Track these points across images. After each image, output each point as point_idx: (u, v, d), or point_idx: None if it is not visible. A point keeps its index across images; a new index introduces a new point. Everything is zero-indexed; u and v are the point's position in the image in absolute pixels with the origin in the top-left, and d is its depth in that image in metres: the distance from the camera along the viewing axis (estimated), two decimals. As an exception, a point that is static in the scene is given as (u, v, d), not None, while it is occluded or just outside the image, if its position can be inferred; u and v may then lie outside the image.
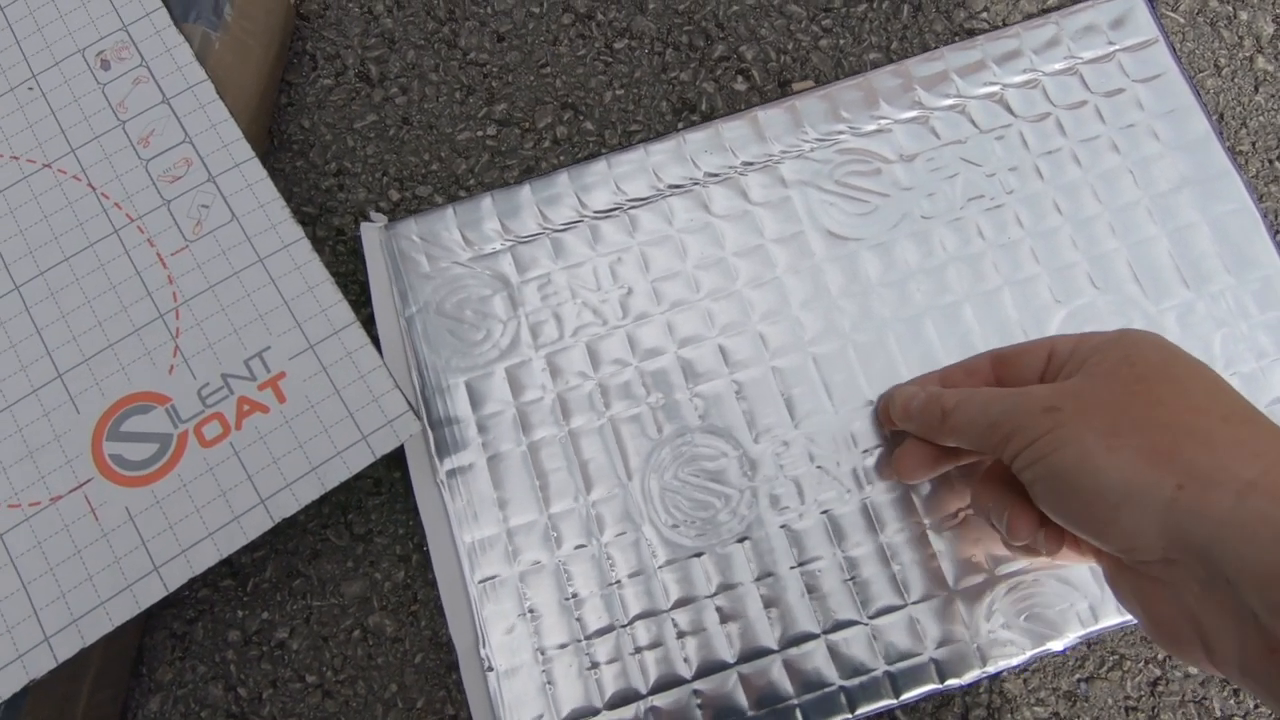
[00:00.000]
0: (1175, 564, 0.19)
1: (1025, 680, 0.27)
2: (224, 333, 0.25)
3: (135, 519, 0.23)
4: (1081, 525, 0.20)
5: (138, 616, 0.27)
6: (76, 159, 0.26)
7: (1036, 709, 0.27)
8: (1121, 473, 0.19)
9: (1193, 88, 0.31)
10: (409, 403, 0.25)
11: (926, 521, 0.27)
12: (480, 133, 0.32)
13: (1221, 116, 0.32)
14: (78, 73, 0.27)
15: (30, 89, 0.27)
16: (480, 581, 0.27)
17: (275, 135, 0.33)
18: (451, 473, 0.28)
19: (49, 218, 0.26)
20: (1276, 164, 0.31)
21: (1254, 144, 0.32)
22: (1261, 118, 0.32)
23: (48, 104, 0.27)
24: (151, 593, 0.23)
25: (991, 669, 0.26)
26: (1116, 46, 0.31)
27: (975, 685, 0.26)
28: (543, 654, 0.27)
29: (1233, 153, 0.31)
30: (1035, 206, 0.30)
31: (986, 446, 0.23)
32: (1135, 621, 0.26)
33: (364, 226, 0.30)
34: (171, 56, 0.27)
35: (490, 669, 0.27)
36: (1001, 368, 0.26)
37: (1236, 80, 0.32)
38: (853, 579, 0.27)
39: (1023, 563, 0.27)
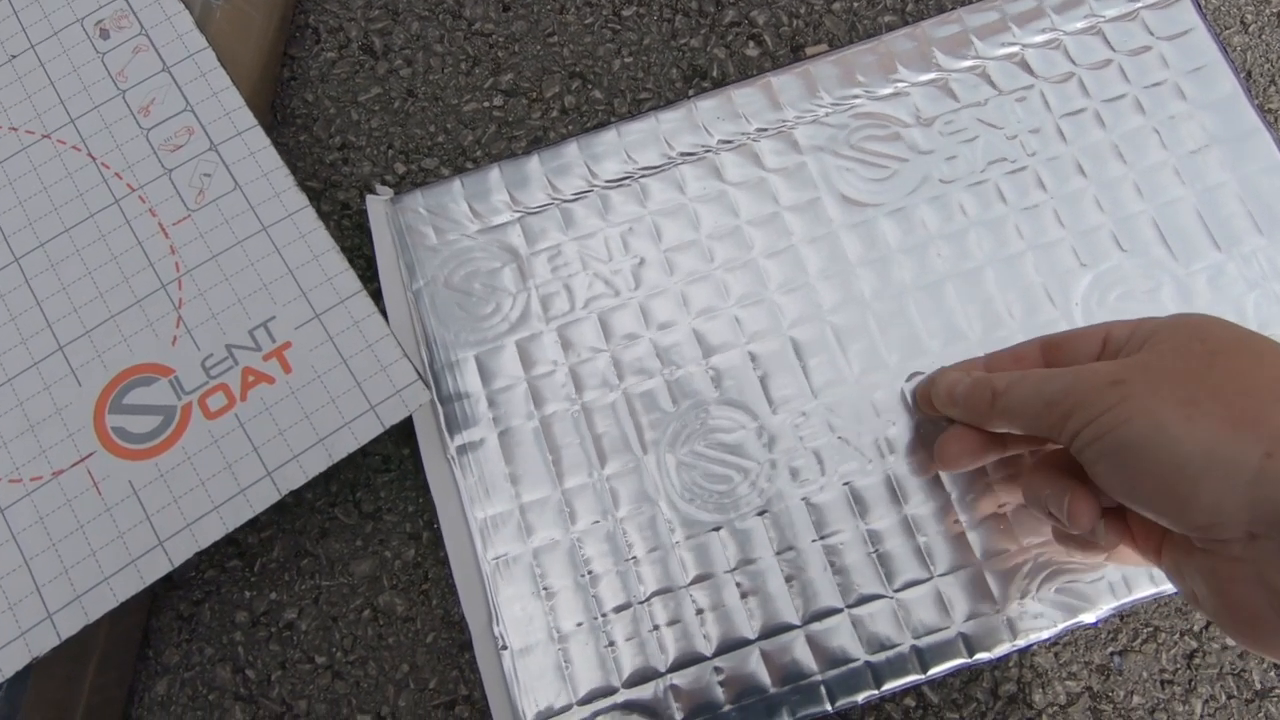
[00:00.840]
0: (1260, 540, 0.18)
1: (1056, 654, 0.26)
2: (228, 303, 0.24)
3: (139, 493, 0.23)
4: (1156, 504, 0.19)
5: (143, 598, 0.26)
6: (76, 129, 0.26)
7: (1069, 683, 0.26)
8: (1202, 442, 0.18)
9: (1219, 44, 0.30)
10: (418, 371, 0.24)
11: (952, 493, 0.27)
12: (486, 104, 0.32)
13: (1249, 74, 0.31)
14: (76, 42, 0.27)
15: (29, 59, 0.26)
16: (493, 559, 0.27)
17: (278, 110, 0.32)
18: (462, 448, 0.28)
19: (49, 189, 0.25)
20: (1308, 122, 0.30)
21: (1284, 102, 0.31)
22: (1291, 75, 0.31)
23: (46, 74, 0.26)
24: (157, 568, 0.22)
25: (1022, 642, 0.25)
26: (1140, 4, 0.30)
27: (1005, 659, 0.26)
28: (558, 632, 0.26)
29: (1262, 110, 0.30)
30: (1058, 169, 0.29)
31: (1042, 427, 0.21)
32: (1171, 591, 0.25)
33: (369, 200, 0.30)
34: (171, 24, 0.27)
35: (505, 648, 0.26)
36: (1053, 352, 0.24)
37: (1264, 37, 0.31)
38: (876, 552, 0.26)
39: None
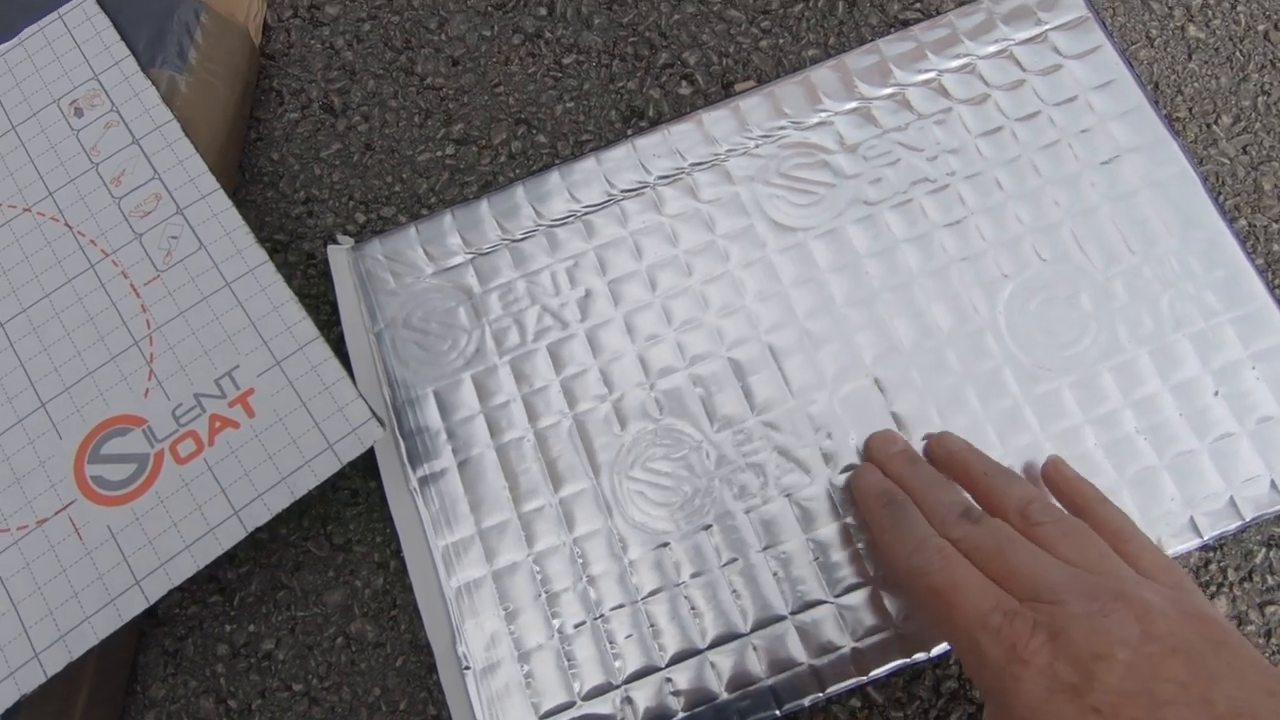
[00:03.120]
0: None
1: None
2: (195, 354, 0.26)
3: (117, 536, 0.25)
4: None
5: (130, 635, 0.28)
6: (54, 202, 0.28)
7: (1006, 677, 0.27)
8: None
9: (1125, 60, 0.31)
10: (372, 410, 0.26)
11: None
12: (439, 153, 0.34)
13: (1157, 85, 0.33)
14: (53, 121, 0.29)
15: (10, 139, 0.29)
16: (456, 584, 0.28)
17: (246, 169, 0.34)
18: (424, 479, 0.29)
19: (30, 258, 0.27)
20: (1214, 128, 0.32)
21: (1190, 110, 0.32)
22: (1196, 84, 0.32)
23: (26, 152, 0.29)
24: (133, 605, 0.24)
25: (958, 640, 0.26)
26: (1047, 26, 0.32)
27: (944, 657, 0.27)
28: (520, 651, 0.27)
29: (1169, 120, 0.31)
30: (978, 185, 0.31)
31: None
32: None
33: (330, 249, 0.32)
34: (140, 100, 0.29)
35: (468, 668, 0.27)
36: (975, 489, 0.25)
37: (1169, 49, 0.33)
38: (818, 560, 0.28)
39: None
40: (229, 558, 0.30)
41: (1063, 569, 0.21)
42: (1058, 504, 0.25)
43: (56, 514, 0.25)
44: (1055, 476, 0.26)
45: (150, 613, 0.29)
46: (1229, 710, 0.17)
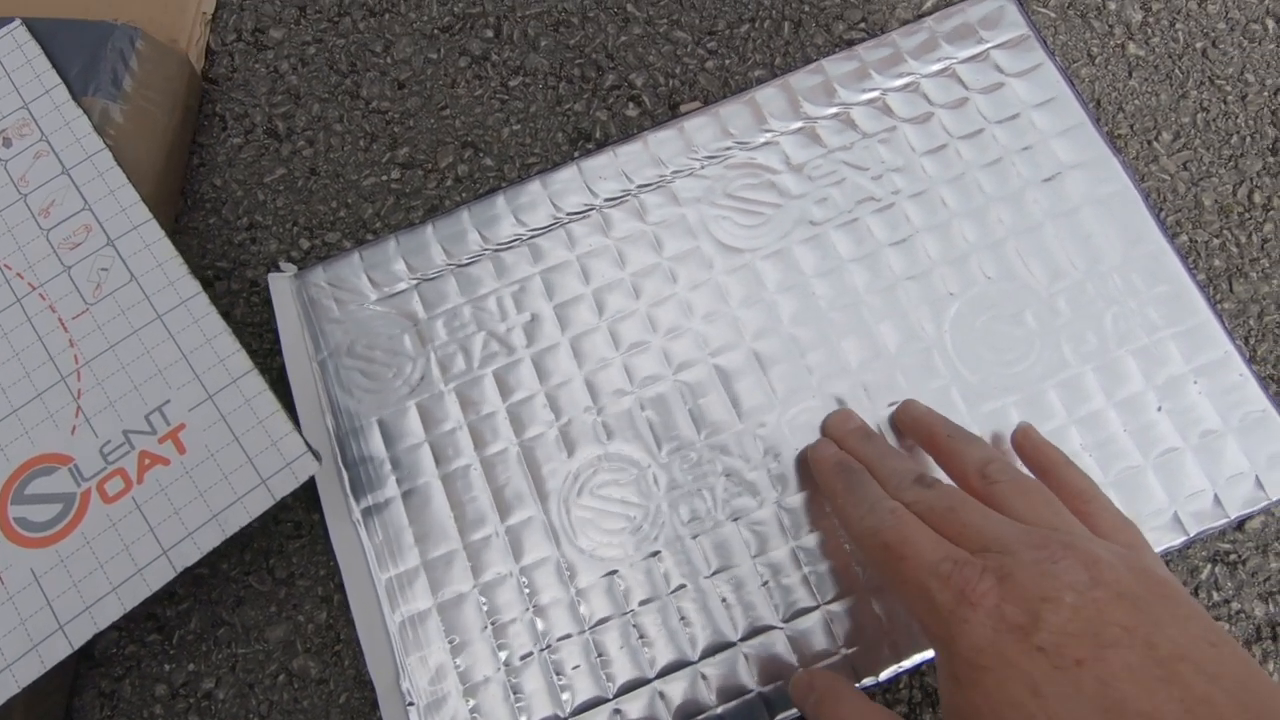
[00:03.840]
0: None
1: (943, 672, 0.27)
2: (124, 390, 0.26)
3: (40, 580, 0.24)
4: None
5: (64, 677, 0.27)
6: (-20, 234, 0.27)
7: (955, 700, 0.26)
8: None
9: (1066, 77, 0.32)
10: (307, 444, 0.25)
11: (836, 524, 0.28)
12: (385, 177, 0.33)
13: (1099, 103, 0.33)
14: (-19, 152, 0.28)
15: (-64, 171, 0.28)
16: (400, 617, 0.28)
17: (188, 195, 0.34)
18: (367, 511, 0.29)
19: (-46, 293, 0.27)
20: (1155, 144, 0.32)
21: (1132, 126, 0.32)
22: (1137, 101, 0.33)
23: (-47, 184, 0.28)
24: (56, 651, 0.23)
25: (907, 663, 0.26)
26: (989, 44, 0.32)
27: (894, 682, 0.26)
28: (466, 685, 0.27)
29: (1111, 137, 0.31)
30: (923, 203, 0.31)
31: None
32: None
33: (271, 278, 0.31)
34: (70, 129, 0.29)
35: (411, 704, 0.27)
36: (935, 451, 0.26)
37: (1110, 67, 0.33)
38: (768, 584, 0.27)
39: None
40: (168, 594, 0.29)
41: (1014, 525, 0.21)
42: (1021, 466, 0.25)
43: (-22, 558, 0.24)
44: (1023, 441, 0.27)
45: (86, 653, 0.28)
46: (1171, 654, 0.17)
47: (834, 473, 0.26)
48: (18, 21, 0.30)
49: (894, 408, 0.29)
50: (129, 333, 0.26)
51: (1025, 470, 0.25)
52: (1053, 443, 0.26)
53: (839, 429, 0.28)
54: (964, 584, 0.20)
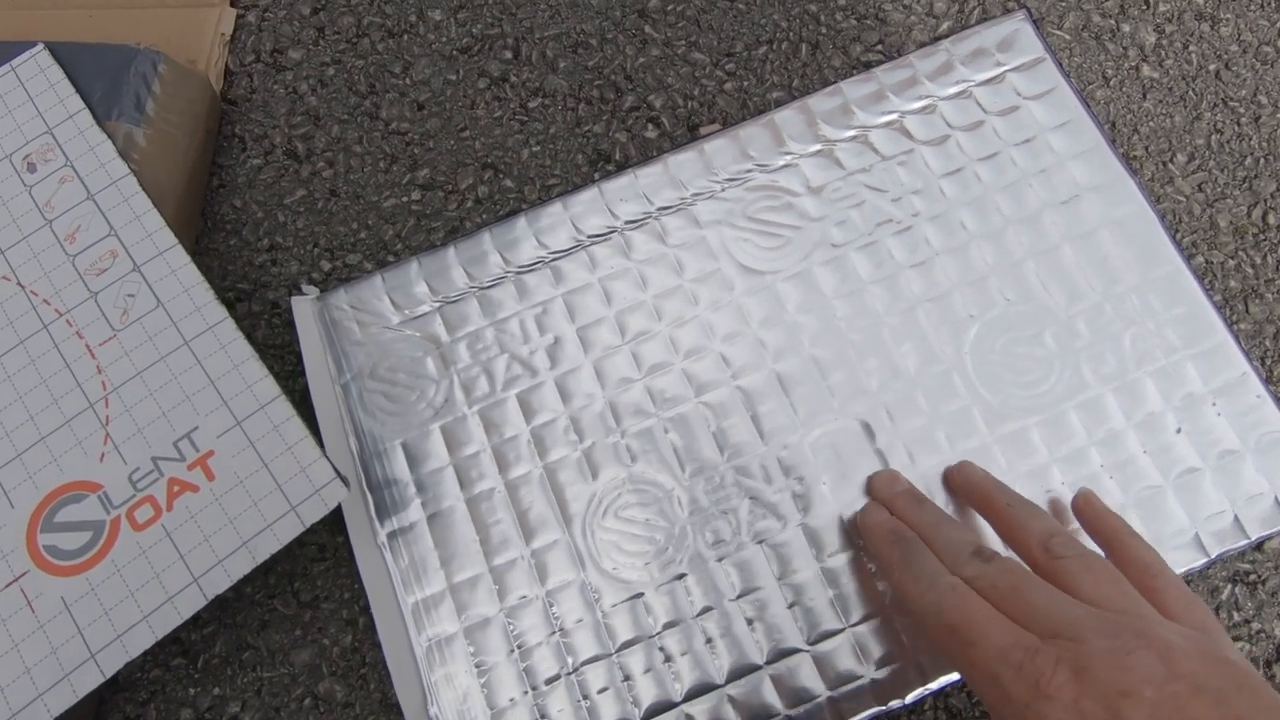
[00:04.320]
0: None
1: (969, 693, 0.27)
2: (153, 416, 0.26)
3: (71, 608, 0.24)
4: None
5: (90, 702, 0.27)
6: (6, 260, 0.27)
7: (981, 722, 0.27)
8: None
9: (1082, 100, 0.32)
10: (335, 470, 0.26)
11: (860, 546, 0.28)
12: (405, 198, 0.34)
13: (1114, 125, 0.33)
14: (5, 177, 0.28)
15: (-40, 197, 0.28)
16: (426, 641, 0.28)
17: (209, 216, 0.34)
18: (393, 534, 0.29)
19: (-20, 319, 0.27)
20: (1170, 165, 0.33)
21: (1147, 149, 0.33)
22: (1152, 123, 0.33)
23: (-23, 210, 0.28)
24: (88, 680, 0.23)
25: (934, 685, 0.26)
26: (1006, 67, 0.33)
27: (920, 703, 0.27)
28: (493, 709, 0.27)
29: (1126, 159, 0.32)
30: (942, 225, 0.31)
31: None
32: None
33: (294, 300, 0.31)
34: (95, 154, 0.29)
35: (440, 728, 0.27)
36: (994, 519, 0.26)
37: (1125, 89, 0.33)
38: (794, 606, 0.28)
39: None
40: (192, 618, 0.29)
41: (1082, 607, 0.21)
42: (1081, 539, 0.25)
43: (8, 586, 0.24)
44: (1085, 509, 0.26)
45: (111, 678, 0.28)
46: None
47: (888, 542, 0.25)
48: (40, 46, 0.30)
49: (944, 466, 0.28)
50: (156, 359, 0.26)
51: (1087, 542, 0.24)
52: (1072, 467, 0.26)
53: (887, 491, 0.27)
54: (1038, 676, 0.19)
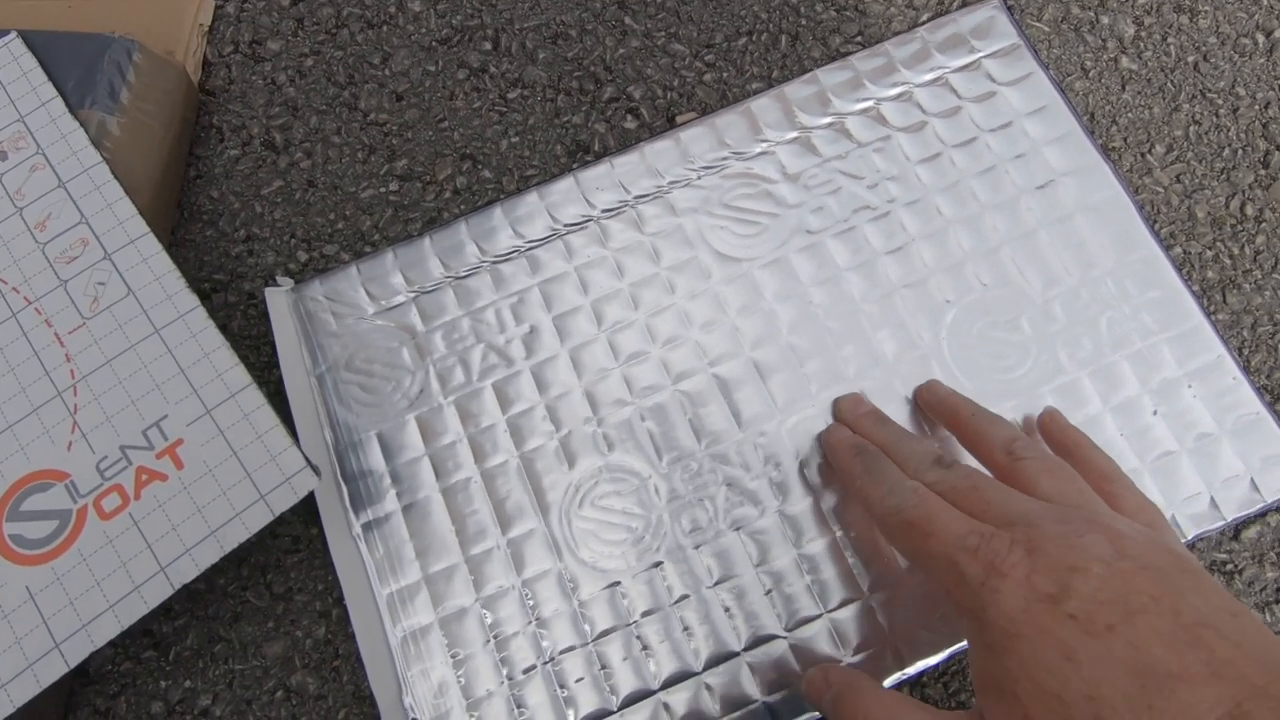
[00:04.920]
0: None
1: (945, 683, 0.27)
2: (122, 405, 0.25)
3: (35, 598, 0.24)
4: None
5: (59, 695, 0.27)
6: (-26, 249, 0.27)
7: (957, 711, 0.27)
8: None
9: (1056, 86, 0.32)
10: (306, 459, 0.25)
11: (837, 531, 0.28)
12: (383, 189, 0.33)
13: (1092, 116, 0.33)
14: (-25, 166, 0.28)
15: (-70, 186, 0.28)
16: (402, 632, 0.27)
17: (185, 207, 0.33)
18: (368, 525, 0.28)
19: (-52, 308, 0.26)
20: (1148, 156, 0.33)
21: (1125, 139, 0.33)
22: (1130, 114, 0.33)
23: (-54, 198, 0.28)
24: (52, 670, 0.23)
25: (910, 670, 0.26)
26: (981, 53, 0.33)
27: (897, 689, 0.26)
28: (469, 699, 0.27)
29: (1105, 149, 0.32)
30: (919, 211, 0.31)
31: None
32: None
33: (268, 292, 0.31)
34: (67, 142, 0.28)
35: (414, 719, 0.26)
36: (959, 430, 0.26)
37: (1104, 80, 0.34)
38: (771, 593, 0.27)
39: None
40: (164, 610, 0.29)
41: (1037, 502, 0.22)
42: (1044, 445, 0.26)
43: (-28, 576, 0.24)
44: (1049, 423, 0.27)
45: (81, 670, 0.28)
46: (1195, 621, 0.18)
47: (850, 455, 0.26)
48: (14, 34, 0.30)
49: (916, 389, 0.29)
50: (126, 347, 0.26)
51: (1049, 450, 0.25)
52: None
53: (851, 413, 0.28)
54: (993, 556, 0.20)
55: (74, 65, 0.30)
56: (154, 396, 0.25)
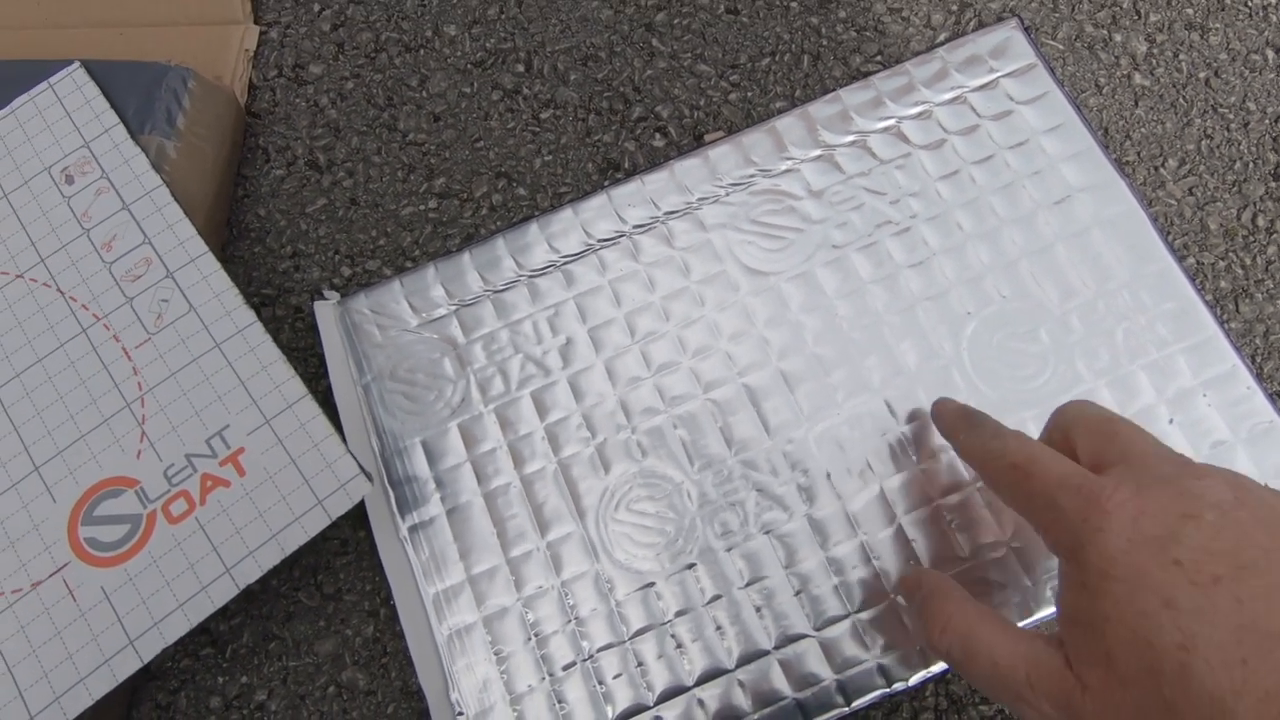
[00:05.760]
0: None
1: (969, 686, 0.28)
2: (186, 415, 0.27)
3: (110, 597, 0.25)
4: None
5: (123, 692, 0.28)
6: (46, 268, 0.29)
7: (981, 708, 0.28)
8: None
9: (1073, 103, 0.33)
10: (360, 466, 0.27)
11: (863, 536, 0.29)
12: (422, 207, 0.35)
13: (1106, 131, 0.34)
14: (45, 189, 0.30)
15: (2, 207, 0.30)
16: (447, 630, 0.29)
17: (234, 225, 0.35)
18: (413, 528, 0.30)
19: (22, 324, 0.28)
20: (1161, 170, 0.34)
21: (1139, 154, 0.34)
22: (1144, 129, 0.34)
23: (18, 220, 0.30)
24: (127, 665, 0.24)
25: (935, 669, 0.27)
26: (999, 73, 0.34)
27: (922, 688, 0.27)
28: (512, 694, 0.28)
29: (1119, 163, 0.33)
30: (939, 226, 0.32)
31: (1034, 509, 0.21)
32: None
33: (317, 305, 0.32)
34: (129, 166, 0.30)
35: (461, 714, 0.28)
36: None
37: (1117, 97, 0.35)
38: (800, 593, 0.29)
39: (962, 565, 0.28)
40: (220, 610, 0.30)
41: (1153, 445, 0.21)
42: None
43: (50, 576, 0.25)
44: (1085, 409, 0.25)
45: (143, 667, 0.30)
46: None
47: (956, 416, 0.26)
48: (76, 64, 0.32)
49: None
50: (189, 360, 0.27)
51: None
52: None
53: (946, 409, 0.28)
54: (1097, 492, 0.19)
55: (133, 92, 0.32)
56: (216, 407, 0.27)
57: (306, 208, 0.35)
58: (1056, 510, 0.20)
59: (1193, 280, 0.31)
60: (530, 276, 0.33)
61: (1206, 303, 0.31)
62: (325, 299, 0.33)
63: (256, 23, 0.38)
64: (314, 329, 0.33)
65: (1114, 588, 0.18)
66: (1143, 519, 0.18)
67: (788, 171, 0.33)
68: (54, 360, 0.28)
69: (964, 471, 0.29)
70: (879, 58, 0.35)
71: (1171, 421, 0.29)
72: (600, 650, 0.28)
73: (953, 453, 0.29)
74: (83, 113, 0.31)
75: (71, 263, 0.29)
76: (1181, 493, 0.19)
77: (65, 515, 0.26)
